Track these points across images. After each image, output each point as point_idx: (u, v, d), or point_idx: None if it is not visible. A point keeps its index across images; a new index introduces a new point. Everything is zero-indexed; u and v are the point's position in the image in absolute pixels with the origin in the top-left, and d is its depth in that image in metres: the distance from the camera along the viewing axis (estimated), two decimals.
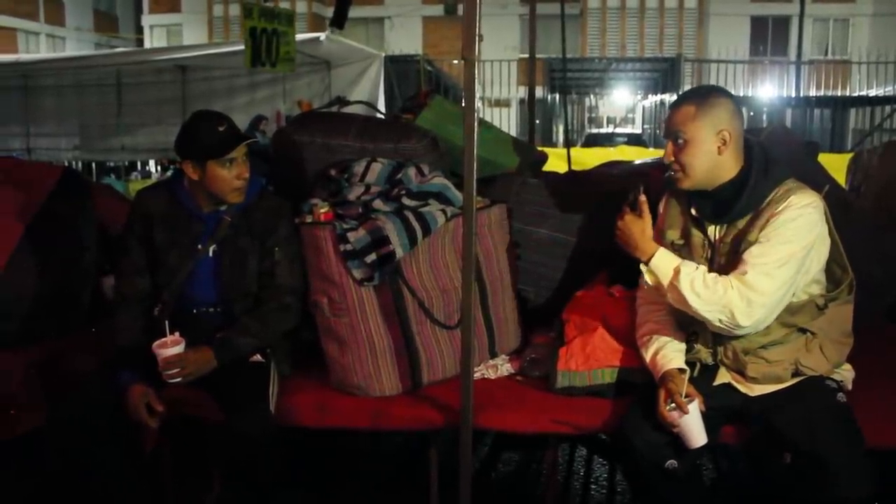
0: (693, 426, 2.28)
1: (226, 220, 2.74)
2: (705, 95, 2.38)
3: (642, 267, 2.45)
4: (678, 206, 2.54)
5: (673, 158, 2.38)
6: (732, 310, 2.26)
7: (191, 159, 2.66)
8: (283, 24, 7.98)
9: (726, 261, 2.39)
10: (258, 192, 2.79)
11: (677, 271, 2.33)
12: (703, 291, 2.29)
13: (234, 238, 2.74)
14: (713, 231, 2.44)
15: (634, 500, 3.24)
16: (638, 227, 2.41)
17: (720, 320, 2.30)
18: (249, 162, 2.72)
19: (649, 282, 2.42)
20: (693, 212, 2.47)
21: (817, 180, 2.75)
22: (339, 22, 6.85)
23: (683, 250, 2.48)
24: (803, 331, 2.39)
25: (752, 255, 2.29)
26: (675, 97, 17.00)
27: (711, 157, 2.35)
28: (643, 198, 2.44)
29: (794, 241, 2.26)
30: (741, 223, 2.37)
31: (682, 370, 2.38)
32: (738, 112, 2.39)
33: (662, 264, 2.37)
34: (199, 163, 2.64)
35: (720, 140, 2.34)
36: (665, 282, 2.36)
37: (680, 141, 2.36)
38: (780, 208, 2.29)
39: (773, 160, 2.38)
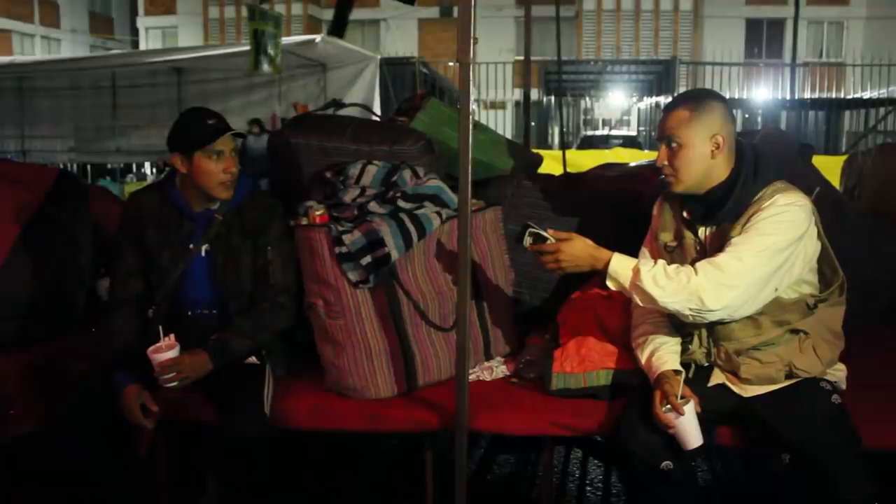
0: (689, 427, 2.28)
1: (217, 219, 2.74)
2: (699, 99, 2.39)
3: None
4: (671, 208, 2.55)
5: (666, 162, 2.39)
6: (700, 294, 2.24)
7: (179, 152, 2.67)
8: (273, 25, 8.08)
9: None
10: (250, 191, 2.80)
11: (636, 271, 2.31)
12: (667, 283, 2.27)
13: (227, 237, 2.74)
14: (703, 233, 2.45)
15: (630, 501, 3.25)
16: (575, 247, 2.36)
17: (690, 309, 2.27)
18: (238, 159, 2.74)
19: (612, 287, 2.38)
20: (685, 214, 2.48)
21: (810, 182, 2.76)
22: (338, 31, 6.93)
23: (676, 252, 2.49)
24: (795, 331, 2.39)
25: (729, 245, 2.30)
26: (670, 99, 17.10)
27: (705, 162, 2.36)
28: (549, 231, 2.39)
29: (773, 234, 2.26)
30: (728, 224, 2.38)
31: (677, 371, 2.39)
32: (730, 116, 2.40)
33: (620, 268, 2.33)
34: (187, 155, 2.66)
35: (713, 144, 2.35)
36: (627, 284, 2.32)
37: (674, 145, 2.36)
38: (764, 206, 2.30)
39: (762, 162, 2.39)
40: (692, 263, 2.35)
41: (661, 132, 2.41)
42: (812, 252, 2.37)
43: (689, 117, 2.34)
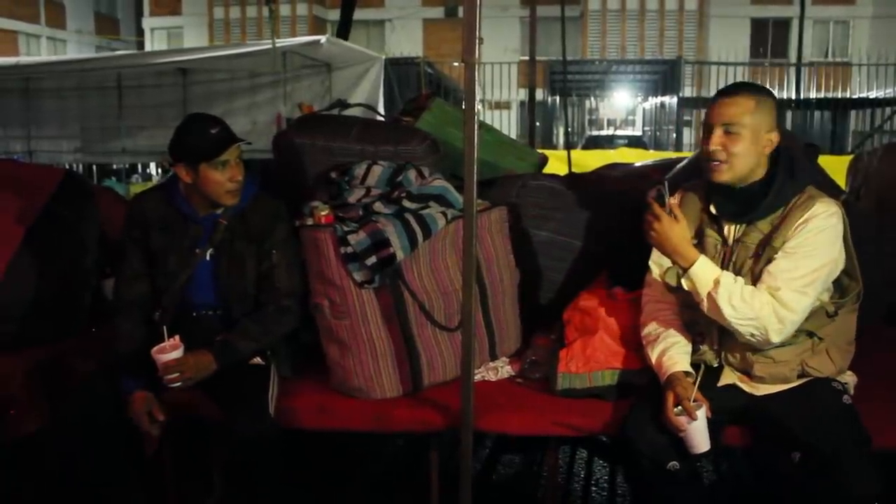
0: (699, 432, 2.27)
1: (221, 223, 2.74)
2: (763, 92, 2.38)
3: (657, 271, 2.47)
4: (694, 204, 2.53)
5: (720, 147, 2.35)
6: (766, 326, 2.27)
7: (183, 162, 2.65)
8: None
9: (743, 263, 2.39)
10: (254, 194, 2.79)
11: (717, 282, 2.31)
12: (741, 306, 2.28)
13: (231, 241, 2.74)
14: (730, 230, 2.44)
15: (635, 501, 3.24)
16: (677, 232, 2.35)
17: (752, 334, 2.30)
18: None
19: (685, 286, 2.38)
20: (712, 209, 2.46)
21: (827, 185, 2.76)
22: (343, 33, 7.04)
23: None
24: (810, 334, 2.39)
25: (780, 270, 2.29)
26: (675, 99, 16.89)
27: (758, 155, 2.35)
28: (674, 200, 2.41)
29: (823, 254, 2.28)
30: (762, 225, 2.37)
31: (687, 373, 2.38)
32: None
33: (703, 274, 2.33)
34: (192, 166, 2.64)
35: (768, 140, 2.35)
36: (703, 292, 2.33)
37: (733, 131, 2.33)
38: (804, 217, 2.30)
39: (798, 164, 2.40)
40: (718, 262, 2.39)
41: (719, 117, 2.35)
42: (843, 260, 2.38)
43: (755, 107, 2.33)
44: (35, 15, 29.26)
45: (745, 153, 2.34)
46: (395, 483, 3.51)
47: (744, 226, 2.41)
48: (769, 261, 2.33)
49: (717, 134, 2.35)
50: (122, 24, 34.71)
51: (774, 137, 2.35)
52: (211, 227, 2.74)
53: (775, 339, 2.29)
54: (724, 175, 2.37)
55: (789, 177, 2.36)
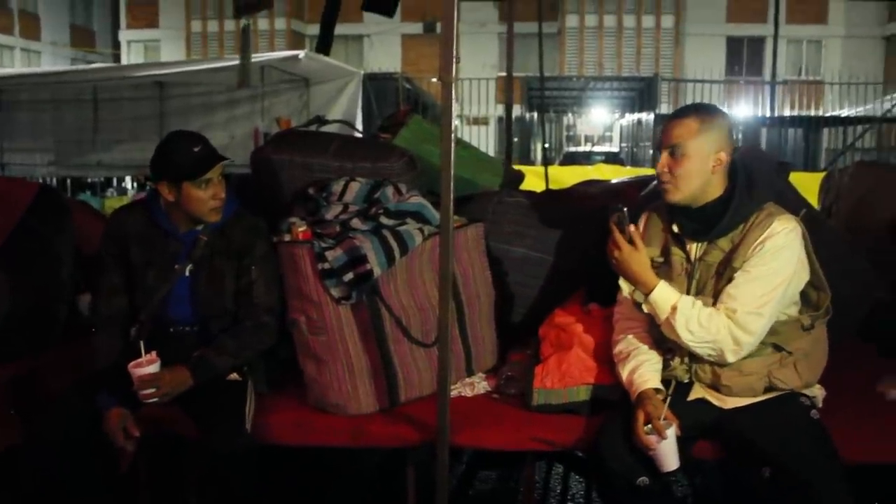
0: (668, 451, 2.29)
1: (202, 240, 2.73)
2: (709, 113, 2.42)
3: (624, 293, 2.52)
4: (659, 223, 2.57)
5: (667, 170, 2.41)
6: (722, 348, 2.34)
7: (166, 180, 2.65)
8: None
9: (706, 282, 2.44)
10: (234, 211, 2.79)
11: (674, 308, 2.37)
12: (698, 330, 2.34)
13: (211, 257, 2.74)
14: (693, 249, 2.47)
15: None
16: (637, 260, 2.42)
17: (709, 354, 2.38)
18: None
19: (645, 310, 2.46)
20: (675, 229, 2.50)
21: (792, 202, 2.80)
22: (324, 48, 7.07)
23: (663, 268, 2.50)
24: (778, 348, 2.43)
25: (738, 290, 2.34)
26: (652, 116, 17.02)
27: (704, 175, 2.39)
28: (633, 227, 2.45)
29: (779, 273, 2.33)
30: (723, 243, 2.42)
31: (657, 390, 2.41)
32: (732, 135, 2.46)
33: (661, 300, 2.40)
34: (175, 184, 2.64)
35: (716, 160, 2.38)
36: (662, 317, 2.40)
37: (678, 154, 2.38)
38: (763, 235, 2.34)
39: (755, 182, 2.43)
40: (685, 280, 2.45)
41: (665, 140, 2.42)
42: (805, 275, 2.42)
43: (698, 129, 2.37)
44: (9, 26, 29.01)
45: (689, 174, 2.39)
46: (373, 498, 3.50)
47: (705, 244, 2.46)
48: (730, 280, 2.38)
49: (664, 156, 2.43)
50: (98, 36, 34.46)
51: (724, 157, 2.39)
52: (191, 243, 2.73)
53: (731, 358, 2.36)
54: (674, 196, 2.43)
55: (746, 194, 2.41)
